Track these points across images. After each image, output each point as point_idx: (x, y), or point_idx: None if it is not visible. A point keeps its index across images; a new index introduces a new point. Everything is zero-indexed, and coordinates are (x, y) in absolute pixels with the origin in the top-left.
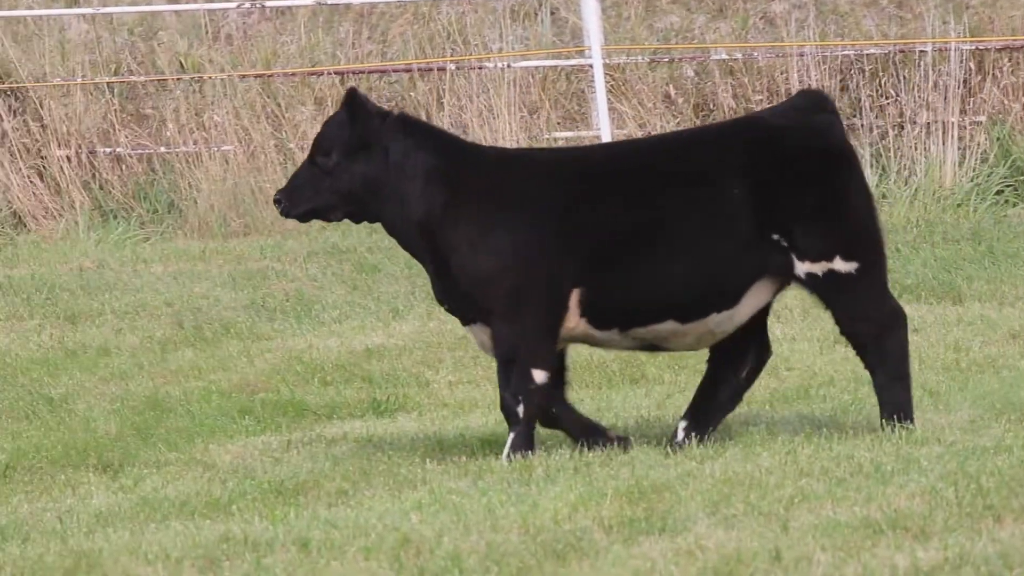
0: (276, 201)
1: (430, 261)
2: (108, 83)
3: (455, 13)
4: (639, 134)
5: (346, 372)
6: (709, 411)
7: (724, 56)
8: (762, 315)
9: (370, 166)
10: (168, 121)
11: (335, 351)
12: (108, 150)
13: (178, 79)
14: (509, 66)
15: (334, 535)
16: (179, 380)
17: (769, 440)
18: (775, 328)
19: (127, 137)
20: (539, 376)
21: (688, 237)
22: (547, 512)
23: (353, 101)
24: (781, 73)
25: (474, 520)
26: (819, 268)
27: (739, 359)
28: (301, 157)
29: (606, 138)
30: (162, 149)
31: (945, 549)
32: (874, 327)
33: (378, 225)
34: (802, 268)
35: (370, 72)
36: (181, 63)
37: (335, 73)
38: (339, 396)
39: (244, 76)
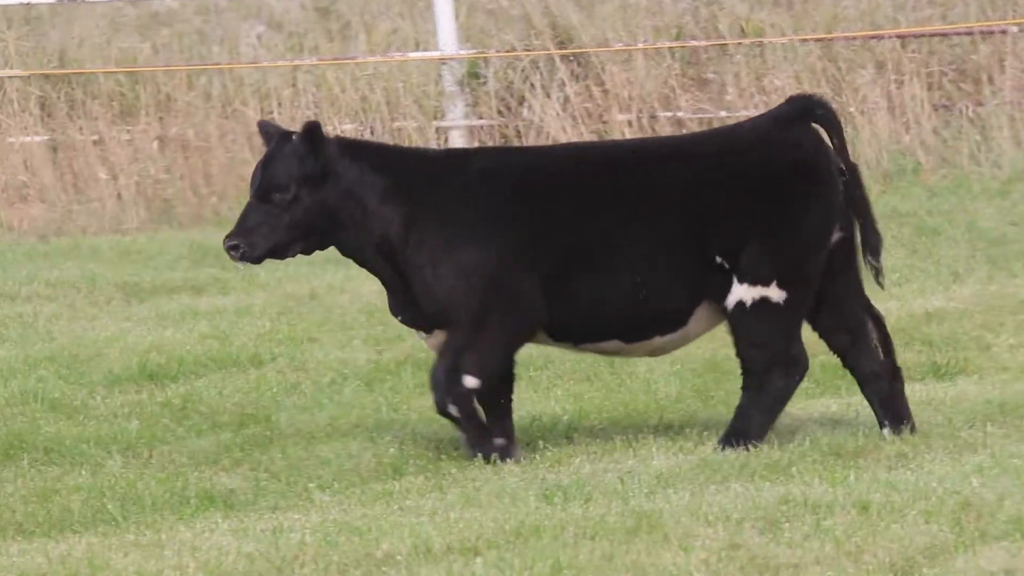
0: (233, 247)
1: (389, 277)
2: (670, 48)
3: None
4: None
5: (906, 335)
6: (892, 404)
7: None
8: (848, 287)
9: (329, 194)
10: (728, 86)
11: (895, 314)
12: (669, 114)
13: (739, 43)
14: None
15: (894, 498)
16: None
17: None
18: None
19: (688, 101)
20: (470, 382)
21: (629, 257)
22: None
23: (315, 134)
24: None
25: None
26: (753, 294)
27: (867, 346)
28: (862, 121)
29: None
30: (722, 113)
31: None
32: (768, 359)
33: (939, 188)
34: (736, 292)
35: (931, 35)
36: (742, 28)
37: (896, 36)
38: (899, 359)
39: (804, 40)
